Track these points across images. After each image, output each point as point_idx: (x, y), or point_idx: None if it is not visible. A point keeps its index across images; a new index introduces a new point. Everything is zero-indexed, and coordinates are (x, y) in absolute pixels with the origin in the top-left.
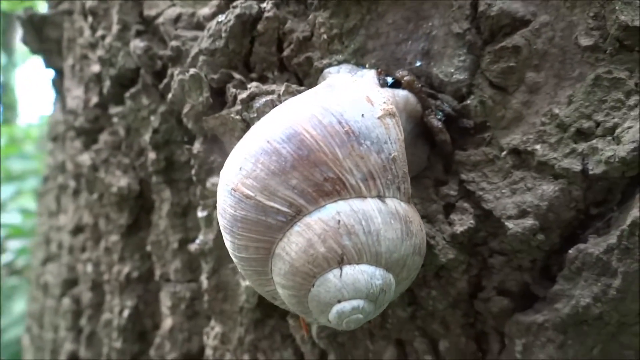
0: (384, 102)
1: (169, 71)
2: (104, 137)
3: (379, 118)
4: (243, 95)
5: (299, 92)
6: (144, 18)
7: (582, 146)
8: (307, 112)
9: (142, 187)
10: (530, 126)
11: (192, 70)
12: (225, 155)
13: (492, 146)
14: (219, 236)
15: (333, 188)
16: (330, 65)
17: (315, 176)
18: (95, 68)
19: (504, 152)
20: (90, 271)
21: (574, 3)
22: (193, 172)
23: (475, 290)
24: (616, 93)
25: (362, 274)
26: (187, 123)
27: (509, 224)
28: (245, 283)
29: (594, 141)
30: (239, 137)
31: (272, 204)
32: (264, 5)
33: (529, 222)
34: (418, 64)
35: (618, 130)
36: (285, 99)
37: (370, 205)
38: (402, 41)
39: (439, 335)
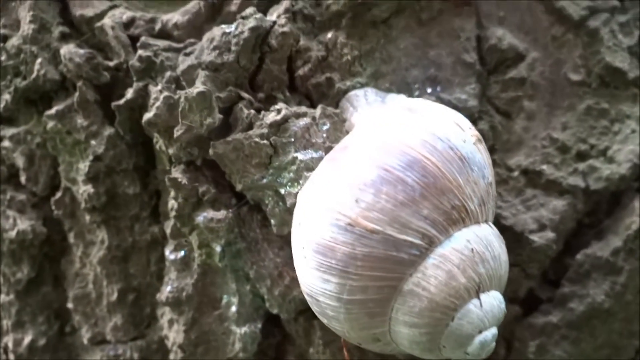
0: (470, 128)
1: (135, 86)
2: None
3: (474, 144)
4: (272, 117)
5: (336, 114)
6: (69, 18)
7: (582, 165)
8: (415, 138)
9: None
10: (532, 149)
11: (201, 87)
12: (221, 186)
13: (500, 167)
14: (199, 280)
15: (459, 215)
16: (353, 87)
17: (444, 204)
18: None
19: (516, 172)
20: None
21: (561, 43)
22: (174, 205)
23: None
24: (603, 121)
25: (494, 299)
26: (166, 148)
27: (534, 238)
28: (240, 330)
29: (591, 161)
30: (259, 165)
31: (405, 237)
32: (274, 18)
33: (550, 235)
34: (429, 90)
35: (609, 152)
36: (323, 122)
37: (486, 231)
38: (411, 66)
39: None
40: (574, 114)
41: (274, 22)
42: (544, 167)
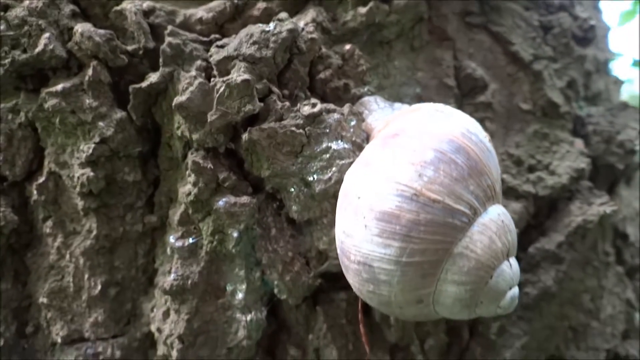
0: (483, 129)
1: (162, 70)
2: None
3: (489, 141)
4: (308, 109)
5: (360, 113)
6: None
7: (532, 176)
8: (457, 130)
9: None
10: None
11: (245, 75)
12: (239, 174)
13: None
14: (206, 268)
15: (491, 193)
16: (365, 94)
17: (483, 183)
18: None
19: None
20: None
21: (514, 79)
22: (192, 190)
23: None
24: (545, 142)
25: (516, 263)
26: (189, 133)
27: None
28: (246, 317)
29: (539, 173)
30: (289, 153)
31: (459, 207)
32: (302, 25)
33: None
34: None
35: (551, 166)
36: (351, 119)
37: (504, 209)
38: (404, 84)
39: (426, 335)
40: (524, 135)
41: (303, 28)
42: (505, 176)
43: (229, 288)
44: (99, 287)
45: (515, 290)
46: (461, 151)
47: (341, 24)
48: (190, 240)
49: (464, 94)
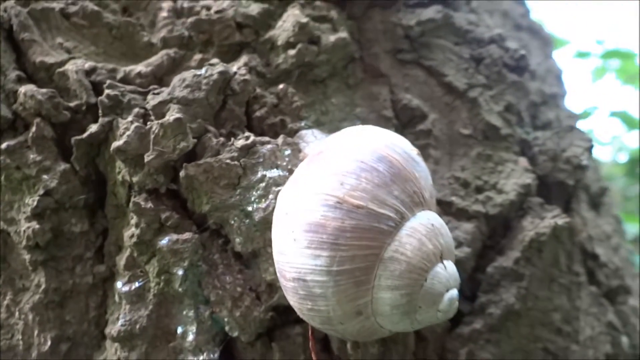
0: (411, 144)
1: (101, 120)
2: None
3: (417, 154)
4: (242, 142)
5: (295, 144)
6: (25, 67)
7: (480, 196)
8: (380, 143)
9: None
10: (441, 186)
11: (176, 114)
12: (182, 213)
13: None
14: (154, 311)
15: (419, 199)
16: (302, 128)
17: (408, 189)
18: None
19: None
20: None
21: (452, 108)
22: (135, 232)
23: None
24: (490, 163)
25: (452, 266)
26: (130, 176)
27: (456, 252)
28: (199, 359)
29: (487, 193)
30: (227, 186)
31: (383, 211)
32: (235, 69)
33: (466, 249)
34: None
35: (498, 185)
36: (285, 148)
37: (436, 216)
38: (342, 119)
39: None
40: (468, 159)
41: (235, 72)
42: (453, 198)
43: (179, 330)
44: (49, 342)
45: (454, 292)
46: (383, 160)
47: (274, 67)
48: (137, 284)
49: (404, 124)
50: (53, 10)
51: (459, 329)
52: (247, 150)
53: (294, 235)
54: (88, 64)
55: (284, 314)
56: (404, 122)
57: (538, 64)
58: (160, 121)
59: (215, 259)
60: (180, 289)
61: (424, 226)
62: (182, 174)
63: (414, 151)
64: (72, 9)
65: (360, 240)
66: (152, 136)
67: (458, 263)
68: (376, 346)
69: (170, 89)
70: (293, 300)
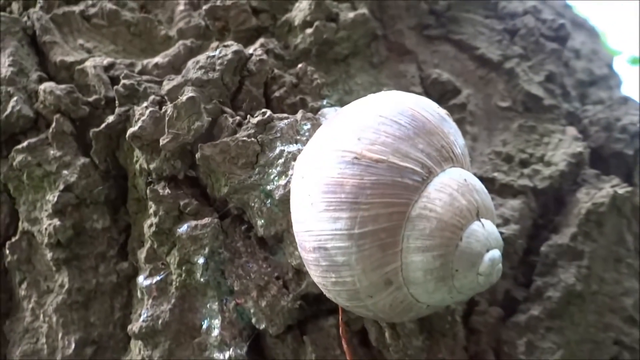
0: (439, 107)
1: (118, 110)
2: None
3: (446, 114)
4: (258, 118)
5: (315, 118)
6: (47, 69)
7: (526, 170)
8: (403, 99)
9: None
10: (481, 163)
11: (189, 93)
12: (202, 200)
13: None
14: (177, 305)
15: (448, 155)
16: (324, 106)
17: (435, 143)
18: None
19: None
20: None
21: (487, 81)
22: (153, 221)
23: (470, 307)
24: (534, 135)
25: (492, 226)
26: (147, 164)
27: (502, 230)
28: (224, 356)
29: (534, 166)
30: (245, 165)
31: (407, 164)
32: (250, 51)
33: (514, 226)
34: None
35: (546, 157)
36: (304, 123)
37: (472, 174)
38: None
39: None
40: (509, 132)
41: (252, 54)
42: (495, 174)
43: (204, 325)
44: (73, 345)
45: (496, 253)
46: (405, 113)
47: (293, 48)
48: (159, 277)
49: (436, 101)
50: (74, 13)
51: (514, 318)
52: (264, 125)
53: (310, 199)
54: (107, 60)
55: (315, 304)
56: (436, 98)
57: (582, 43)
58: (173, 102)
59: (239, 246)
60: (202, 279)
61: (456, 181)
62: (198, 155)
63: (442, 111)
64: (92, 10)
65: (382, 198)
66: (166, 119)
67: (506, 242)
68: (420, 338)
69: (184, 72)
70: (316, 276)
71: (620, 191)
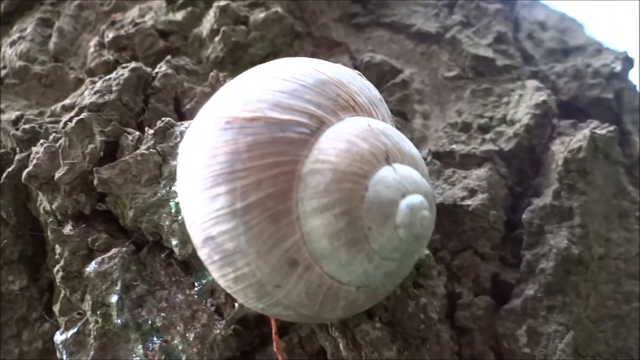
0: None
1: (18, 156)
2: None
3: (358, 74)
4: (155, 127)
5: None
6: None
7: (488, 135)
8: (295, 60)
9: None
10: (437, 139)
11: (77, 118)
12: (115, 234)
13: None
14: (98, 358)
15: (348, 104)
16: None
17: (327, 92)
18: None
19: (429, 158)
20: None
21: (429, 55)
22: (60, 265)
23: (451, 302)
24: (491, 97)
25: (411, 172)
26: (50, 204)
27: (467, 202)
28: None
29: (495, 129)
30: (150, 181)
31: (289, 117)
32: (155, 71)
33: (481, 196)
34: None
35: (508, 117)
36: None
37: (385, 124)
38: None
39: None
40: (463, 101)
41: (156, 72)
42: (454, 146)
43: None
44: None
45: (415, 198)
46: (287, 68)
47: (205, 61)
48: (75, 329)
49: (375, 84)
50: None
51: (508, 305)
52: (164, 133)
53: (188, 183)
54: (15, 114)
55: (257, 327)
56: (374, 81)
57: (548, 16)
58: (64, 129)
59: (160, 276)
60: (119, 321)
61: (356, 127)
62: (95, 181)
63: (349, 69)
64: (3, 72)
65: (262, 159)
66: (60, 151)
67: (477, 214)
68: (394, 347)
69: (79, 100)
70: (217, 277)
71: (601, 131)
